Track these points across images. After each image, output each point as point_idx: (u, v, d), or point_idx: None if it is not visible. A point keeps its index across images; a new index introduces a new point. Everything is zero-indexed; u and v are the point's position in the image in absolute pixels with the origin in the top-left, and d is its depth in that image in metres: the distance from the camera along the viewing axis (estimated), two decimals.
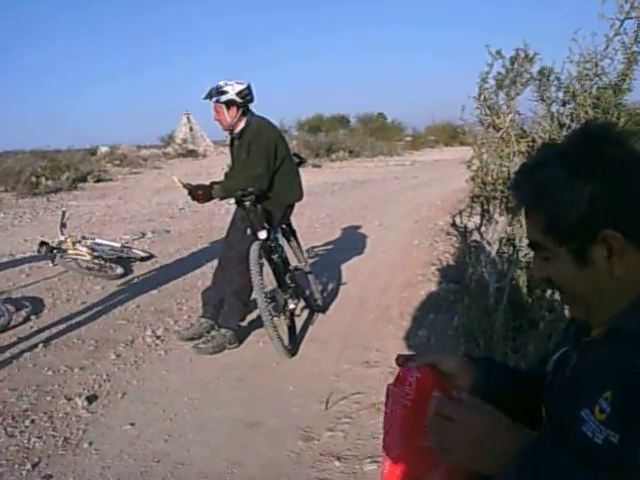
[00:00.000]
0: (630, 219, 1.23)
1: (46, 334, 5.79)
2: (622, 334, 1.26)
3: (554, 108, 4.61)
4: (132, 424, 4.14)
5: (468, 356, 1.76)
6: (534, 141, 4.64)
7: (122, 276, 7.85)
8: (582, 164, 1.25)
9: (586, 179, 1.23)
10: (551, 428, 1.42)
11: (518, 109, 4.74)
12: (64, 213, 8.15)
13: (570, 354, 1.43)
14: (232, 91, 5.26)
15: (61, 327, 5.98)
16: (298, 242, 6.16)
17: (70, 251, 7.88)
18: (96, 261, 7.99)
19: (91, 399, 4.48)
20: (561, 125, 4.50)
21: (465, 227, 5.36)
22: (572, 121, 4.51)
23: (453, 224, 5.66)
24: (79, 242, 8.23)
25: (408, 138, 51.45)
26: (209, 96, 5.34)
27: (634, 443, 1.11)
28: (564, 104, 4.58)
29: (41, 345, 5.48)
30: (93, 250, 8.20)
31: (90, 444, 3.88)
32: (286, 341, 5.24)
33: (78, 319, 6.23)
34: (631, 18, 4.14)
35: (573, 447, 1.26)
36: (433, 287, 6.93)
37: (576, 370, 1.39)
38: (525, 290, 4.58)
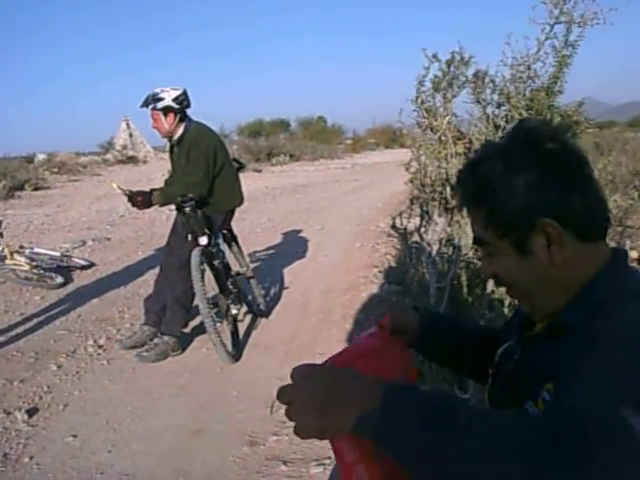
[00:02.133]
0: (566, 208, 1.28)
1: None
2: (563, 327, 1.30)
3: (489, 110, 4.70)
4: (74, 436, 4.08)
5: (416, 308, 1.85)
6: (471, 142, 4.72)
7: (62, 285, 7.71)
8: (519, 156, 1.31)
9: (522, 170, 1.29)
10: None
11: (455, 111, 4.80)
12: (1, 222, 7.95)
13: (514, 348, 1.48)
14: (168, 97, 5.23)
15: None
16: (239, 247, 6.16)
17: (8, 261, 7.72)
18: (35, 271, 7.83)
19: (31, 412, 4.41)
20: (497, 127, 4.59)
21: (405, 229, 5.41)
22: (507, 123, 4.60)
23: (393, 226, 5.70)
24: (17, 252, 8.06)
25: (348, 141, 51.75)
26: (146, 104, 5.30)
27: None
28: (499, 106, 4.68)
29: None
30: (32, 260, 8.04)
31: (31, 458, 3.81)
32: (229, 347, 5.23)
33: (17, 331, 6.11)
34: (560, 23, 4.25)
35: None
36: (375, 289, 7.00)
37: (519, 364, 1.43)
38: (465, 289, 4.66)
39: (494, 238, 1.37)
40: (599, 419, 0.99)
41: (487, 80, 4.65)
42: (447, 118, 4.75)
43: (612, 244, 6.41)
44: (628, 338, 1.15)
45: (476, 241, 1.44)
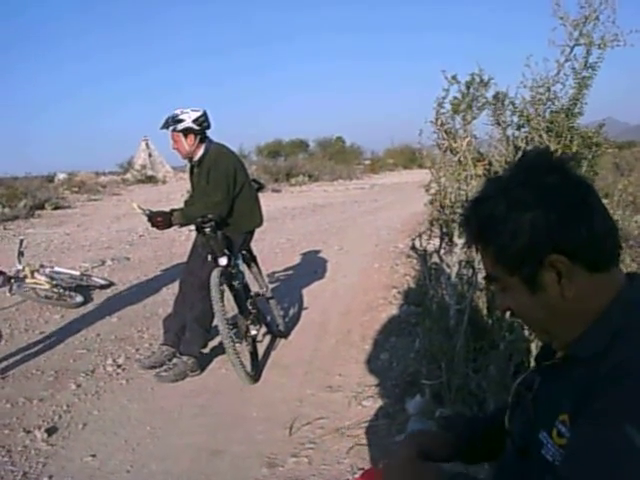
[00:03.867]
0: (572, 242, 1.27)
1: (3, 365, 5.67)
2: (578, 359, 1.29)
3: (509, 132, 4.70)
4: (93, 455, 4.08)
5: (440, 424, 1.90)
6: (490, 164, 4.71)
7: (82, 304, 7.74)
8: (520, 195, 1.30)
9: (525, 209, 1.28)
10: (513, 452, 1.46)
11: (474, 133, 4.80)
12: (22, 241, 8.02)
13: (533, 378, 1.47)
14: (189, 119, 5.26)
15: (19, 358, 5.87)
16: (259, 268, 6.16)
17: (28, 280, 7.75)
18: (55, 290, 7.86)
19: (51, 431, 4.41)
20: (517, 148, 4.58)
21: (425, 250, 5.40)
22: (527, 144, 4.59)
23: (413, 247, 5.69)
24: (37, 271, 8.10)
25: (367, 162, 51.75)
26: (166, 125, 5.33)
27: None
28: (519, 128, 4.67)
29: None
30: (52, 279, 8.07)
31: (50, 478, 3.81)
32: (248, 367, 5.22)
33: (37, 349, 6.13)
34: (580, 44, 4.25)
35: (534, 471, 1.29)
36: (394, 310, 6.96)
37: (537, 393, 1.42)
38: (485, 312, 4.63)
39: (504, 275, 1.37)
40: None
41: (507, 102, 4.65)
42: (467, 140, 4.75)
43: (634, 266, 6.36)
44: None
45: (487, 277, 1.44)
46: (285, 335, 6.31)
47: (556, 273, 1.28)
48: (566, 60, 4.30)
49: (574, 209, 1.28)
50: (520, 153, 4.45)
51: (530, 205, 1.28)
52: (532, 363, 1.55)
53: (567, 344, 1.35)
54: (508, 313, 1.48)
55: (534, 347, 3.68)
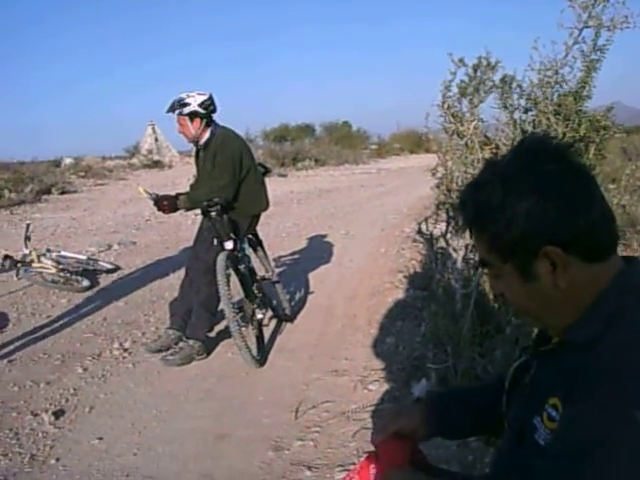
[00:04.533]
0: (568, 233, 1.25)
1: (11, 349, 5.71)
2: (573, 345, 1.28)
3: (517, 115, 4.66)
4: (100, 438, 4.10)
5: (421, 401, 1.88)
6: (497, 148, 4.68)
7: (88, 289, 7.77)
8: (518, 182, 1.28)
9: (522, 197, 1.27)
10: (510, 437, 1.46)
11: (481, 116, 4.78)
12: (28, 226, 8.03)
13: (531, 362, 1.47)
14: (194, 103, 5.24)
15: (26, 341, 5.91)
16: (265, 252, 6.16)
17: (35, 264, 7.78)
18: (61, 274, 7.88)
19: (58, 414, 4.43)
20: (524, 132, 4.55)
21: (431, 234, 5.39)
22: (534, 128, 4.56)
23: (419, 231, 5.70)
24: (44, 255, 8.12)
25: (373, 146, 51.53)
26: (172, 109, 5.30)
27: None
28: (526, 111, 4.64)
29: (6, 360, 5.42)
30: (58, 263, 8.10)
31: (57, 460, 3.84)
32: (254, 351, 5.23)
33: (44, 333, 6.16)
34: (589, 27, 4.21)
35: (528, 455, 1.29)
36: (400, 294, 6.96)
37: (533, 379, 1.42)
38: (491, 296, 4.62)
39: (498, 261, 1.36)
40: None
41: (514, 85, 4.62)
42: (474, 123, 4.72)
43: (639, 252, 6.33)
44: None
45: (481, 262, 1.43)
46: (291, 319, 6.32)
47: (550, 263, 1.27)
48: (574, 43, 4.26)
49: (572, 199, 1.26)
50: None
51: (527, 194, 1.26)
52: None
53: (563, 330, 1.35)
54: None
55: None
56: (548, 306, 1.34)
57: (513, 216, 1.27)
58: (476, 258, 4.69)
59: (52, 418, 4.35)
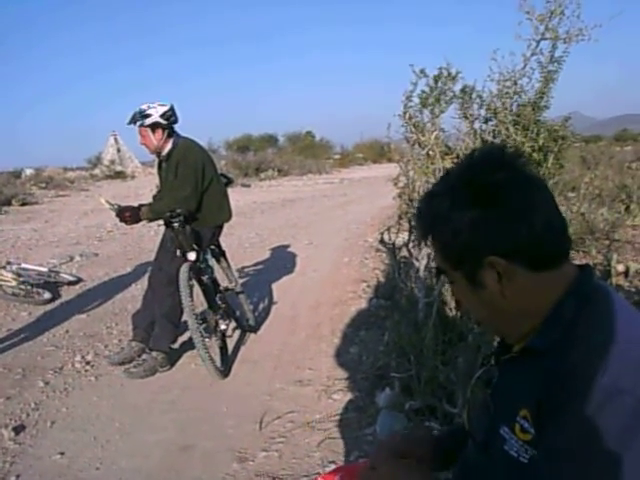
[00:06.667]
0: (511, 242, 1.27)
1: None
2: (535, 352, 1.30)
3: (477, 125, 4.74)
4: (62, 453, 4.05)
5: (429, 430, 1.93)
6: (458, 157, 4.74)
7: (50, 301, 7.67)
8: (462, 194, 1.31)
9: (467, 208, 1.29)
10: (475, 448, 1.47)
11: (442, 126, 4.84)
12: None
13: (493, 372, 1.48)
14: (156, 113, 5.22)
15: None
16: (228, 262, 6.15)
17: None
18: (22, 286, 7.78)
19: (18, 429, 4.37)
20: (484, 142, 4.62)
21: (394, 244, 5.43)
22: (494, 137, 4.63)
23: (382, 240, 5.72)
24: (4, 267, 8.02)
25: (336, 156, 51.82)
26: (133, 120, 5.28)
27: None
28: (486, 121, 4.71)
29: None
30: (19, 275, 7.99)
31: (17, 477, 3.77)
32: (218, 362, 5.21)
33: (4, 346, 6.06)
34: (546, 39, 4.30)
35: (496, 465, 1.31)
36: (364, 304, 6.99)
37: (496, 388, 1.43)
38: (453, 304, 4.66)
39: (449, 269, 1.39)
40: None
41: (474, 95, 4.69)
42: (435, 133, 4.78)
43: (600, 257, 6.45)
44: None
45: (437, 270, 1.46)
46: (255, 329, 6.31)
47: (496, 272, 1.29)
48: (532, 54, 4.35)
49: (516, 208, 1.27)
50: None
51: (470, 205, 1.29)
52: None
53: (522, 338, 1.37)
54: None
55: None
56: (498, 314, 1.36)
57: (458, 227, 1.29)
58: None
59: (12, 434, 4.28)
